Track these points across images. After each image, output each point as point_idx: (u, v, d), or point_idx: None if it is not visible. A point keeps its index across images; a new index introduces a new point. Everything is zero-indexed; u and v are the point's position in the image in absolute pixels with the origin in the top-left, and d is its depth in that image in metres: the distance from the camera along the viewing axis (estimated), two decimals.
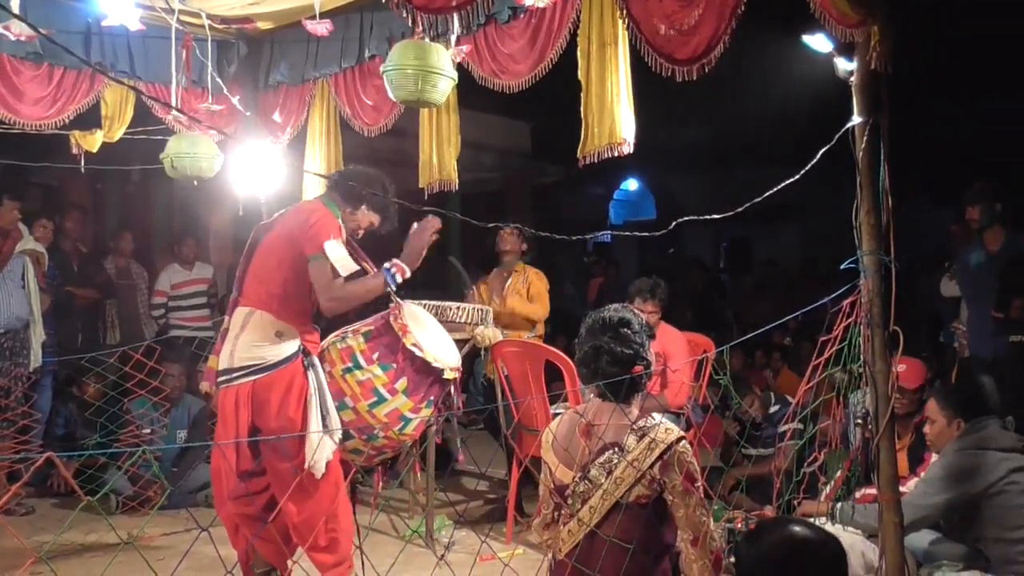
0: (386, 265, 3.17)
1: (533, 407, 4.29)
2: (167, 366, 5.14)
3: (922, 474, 3.44)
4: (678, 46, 2.95)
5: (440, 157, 4.07)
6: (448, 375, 3.24)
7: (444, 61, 3.06)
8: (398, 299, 3.33)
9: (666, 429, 2.26)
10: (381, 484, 4.81)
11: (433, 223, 3.25)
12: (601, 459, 2.27)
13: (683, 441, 2.24)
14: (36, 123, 4.23)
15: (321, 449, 3.03)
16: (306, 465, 3.00)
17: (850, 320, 2.44)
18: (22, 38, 3.66)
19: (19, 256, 4.93)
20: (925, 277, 6.07)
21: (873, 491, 2.72)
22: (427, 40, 3.19)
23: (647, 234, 3.09)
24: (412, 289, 3.41)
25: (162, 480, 4.83)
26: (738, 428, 4.98)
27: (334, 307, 3.10)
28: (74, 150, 4.49)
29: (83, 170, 4.53)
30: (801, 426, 3.91)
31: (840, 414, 2.88)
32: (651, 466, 2.21)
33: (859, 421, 3.49)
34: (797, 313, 2.84)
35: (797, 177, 2.53)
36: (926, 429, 3.47)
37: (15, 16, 3.13)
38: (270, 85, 4.82)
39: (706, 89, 3.38)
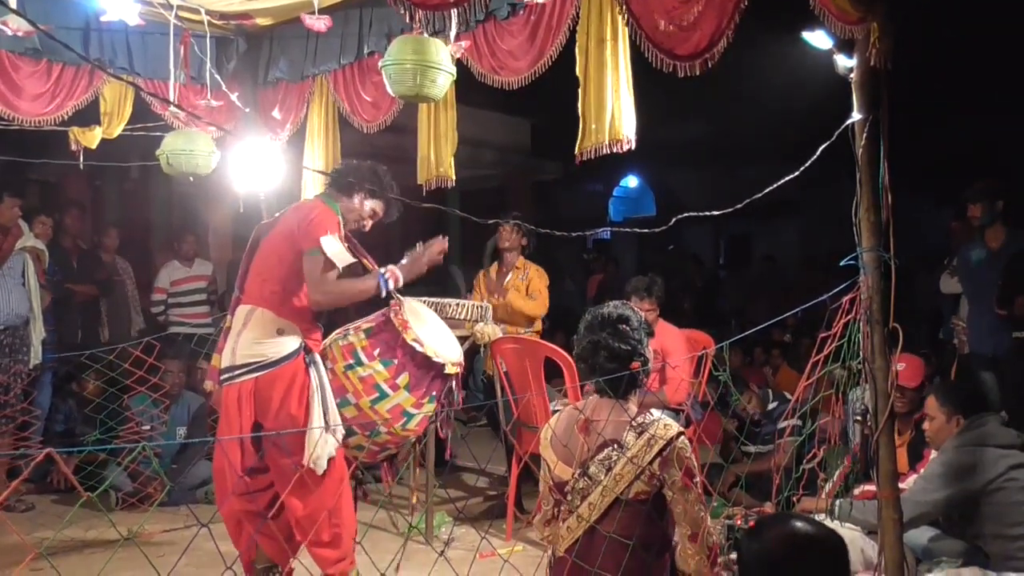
0: (381, 269, 3.18)
1: (532, 404, 4.29)
2: (167, 363, 5.14)
3: (921, 471, 3.44)
4: (679, 42, 2.95)
5: (437, 153, 4.07)
6: (449, 370, 3.25)
7: (443, 56, 3.06)
8: (399, 295, 3.33)
9: (665, 425, 2.27)
10: (389, 480, 4.82)
11: (440, 245, 3.29)
12: (600, 456, 2.27)
13: (682, 437, 2.25)
14: (35, 119, 4.22)
15: (322, 446, 3.04)
16: (306, 461, 3.00)
17: (850, 317, 2.44)
18: (19, 33, 3.65)
19: (19, 253, 4.93)
20: (925, 274, 6.07)
21: (872, 488, 2.73)
22: (426, 36, 3.18)
23: (647, 231, 3.09)
24: (411, 287, 3.42)
25: (162, 476, 4.83)
26: (736, 424, 4.98)
27: (324, 301, 3.11)
28: (73, 147, 4.48)
29: (82, 167, 4.52)
30: (800, 423, 3.92)
31: (840, 411, 2.88)
32: (650, 462, 2.21)
33: (858, 418, 3.50)
34: (797, 310, 2.84)
35: (797, 174, 2.53)
36: (925, 426, 3.47)
37: (14, 12, 3.12)
38: (269, 82, 4.81)
39: (706, 86, 3.38)
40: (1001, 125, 7.68)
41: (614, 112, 3.19)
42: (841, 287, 2.46)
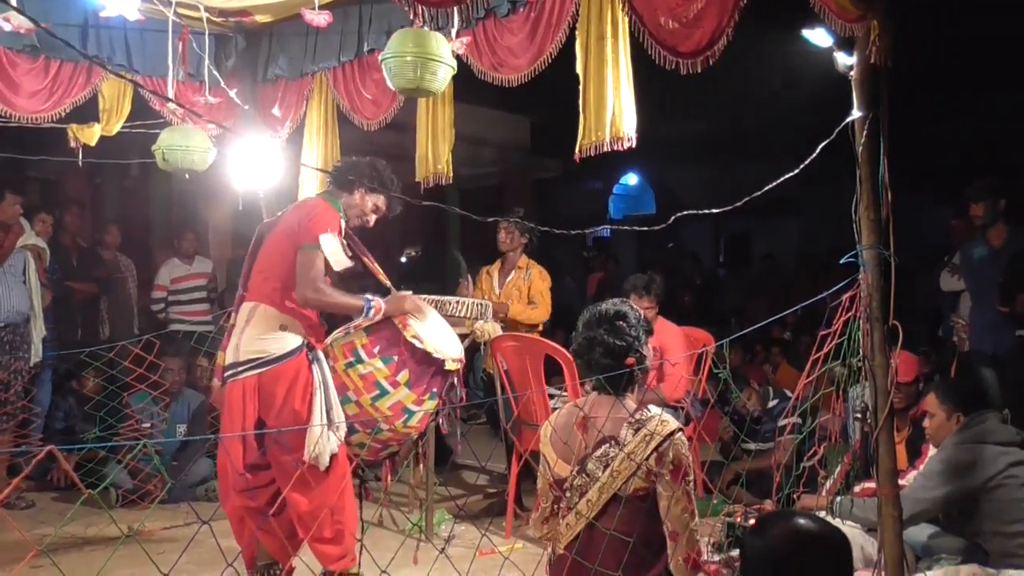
0: (369, 297, 3.20)
1: (532, 401, 4.29)
2: (166, 360, 5.14)
3: (921, 468, 3.45)
4: (681, 39, 2.94)
5: (435, 150, 4.07)
6: (450, 366, 3.26)
7: (443, 49, 3.05)
8: (398, 292, 3.34)
9: (662, 421, 2.27)
10: (389, 479, 4.82)
11: (419, 307, 3.29)
12: (598, 453, 2.28)
13: (679, 433, 2.25)
14: (33, 116, 4.21)
15: (324, 442, 3.04)
16: (306, 457, 3.01)
17: (849, 314, 2.44)
18: (21, 30, 3.65)
19: (20, 251, 4.93)
20: (925, 272, 6.07)
21: (872, 485, 2.73)
22: (427, 29, 3.18)
23: (646, 228, 3.09)
24: (412, 283, 3.42)
25: (162, 474, 4.83)
26: (731, 433, 4.96)
27: (311, 299, 3.11)
28: (71, 144, 4.48)
29: (81, 164, 4.52)
30: (800, 420, 3.92)
31: (840, 408, 2.88)
32: (647, 458, 2.21)
33: (858, 415, 3.50)
34: (796, 307, 2.84)
35: (797, 171, 2.53)
36: (925, 423, 3.48)
37: (13, 8, 3.12)
38: (268, 79, 4.80)
39: (706, 83, 3.37)
40: (1001, 123, 7.68)
41: (614, 109, 3.19)
42: (841, 284, 2.46)
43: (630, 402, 2.35)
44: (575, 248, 12.18)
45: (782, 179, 2.57)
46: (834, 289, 2.48)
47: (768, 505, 3.67)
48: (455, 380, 3.34)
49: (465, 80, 3.61)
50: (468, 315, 4.38)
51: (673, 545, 2.21)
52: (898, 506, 2.40)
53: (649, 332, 2.44)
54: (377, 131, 4.42)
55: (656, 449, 2.22)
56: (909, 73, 3.23)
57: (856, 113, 2.44)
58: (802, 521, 1.72)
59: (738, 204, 2.70)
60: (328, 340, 3.32)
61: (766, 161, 3.68)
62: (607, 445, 2.27)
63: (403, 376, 3.20)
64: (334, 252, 3.11)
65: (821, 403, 3.22)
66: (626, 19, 3.12)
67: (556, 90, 3.63)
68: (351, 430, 3.19)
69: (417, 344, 3.18)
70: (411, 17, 3.15)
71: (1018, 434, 3.28)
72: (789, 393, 4.76)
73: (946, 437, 3.32)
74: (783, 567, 1.66)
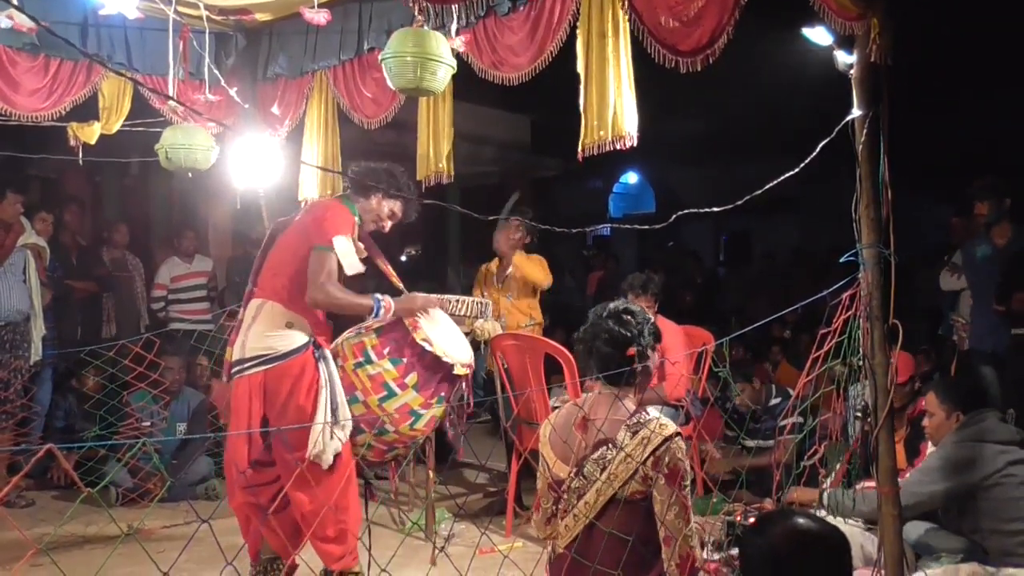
0: (379, 296, 3.20)
1: (532, 400, 4.29)
2: (166, 359, 5.14)
3: (919, 465, 3.45)
4: (681, 37, 2.94)
5: (436, 149, 4.06)
6: (459, 371, 3.25)
7: (443, 49, 3.05)
8: (409, 293, 3.34)
9: (661, 424, 2.26)
10: (396, 480, 4.83)
11: (430, 304, 3.29)
12: (595, 455, 2.27)
13: (678, 438, 2.24)
14: (33, 115, 4.21)
15: (328, 440, 3.04)
16: (308, 455, 3.01)
17: (849, 313, 2.44)
18: (23, 29, 3.65)
19: (20, 250, 4.93)
20: (925, 271, 6.07)
21: (872, 484, 2.73)
22: (426, 29, 3.18)
23: (646, 227, 3.09)
24: (413, 280, 3.42)
25: (162, 472, 4.84)
26: (722, 451, 4.94)
27: (321, 301, 3.11)
28: (72, 142, 4.48)
29: (81, 162, 4.51)
30: (801, 419, 3.92)
31: (840, 407, 2.88)
32: (644, 461, 2.21)
33: (858, 414, 3.50)
34: (796, 306, 2.84)
35: (797, 170, 2.53)
36: (925, 422, 3.48)
37: (13, 7, 3.12)
38: (268, 77, 4.80)
39: (706, 82, 3.37)
40: (1002, 122, 7.67)
41: (616, 108, 3.18)
42: (841, 283, 2.46)
43: (630, 403, 2.35)
44: (575, 247, 12.18)
45: (782, 178, 2.57)
46: (834, 288, 2.48)
47: (768, 504, 3.67)
48: (464, 385, 3.34)
49: (465, 79, 3.61)
50: (468, 314, 4.38)
51: (667, 550, 2.21)
52: (898, 504, 2.40)
53: (658, 339, 2.45)
54: (377, 130, 4.42)
55: (653, 452, 2.21)
56: (909, 72, 3.22)
57: (856, 112, 2.44)
58: (802, 520, 1.72)
59: (738, 203, 2.70)
60: (339, 340, 3.33)
61: (766, 160, 3.68)
62: (604, 447, 2.27)
63: (411, 379, 3.20)
64: (347, 255, 3.11)
65: (821, 402, 3.22)
66: (626, 18, 3.12)
67: (556, 89, 3.63)
68: (357, 430, 3.19)
69: (427, 347, 3.18)
70: (415, 13, 3.15)
71: (1017, 433, 3.28)
72: (791, 391, 4.76)
73: (945, 436, 3.32)
74: (783, 566, 1.67)
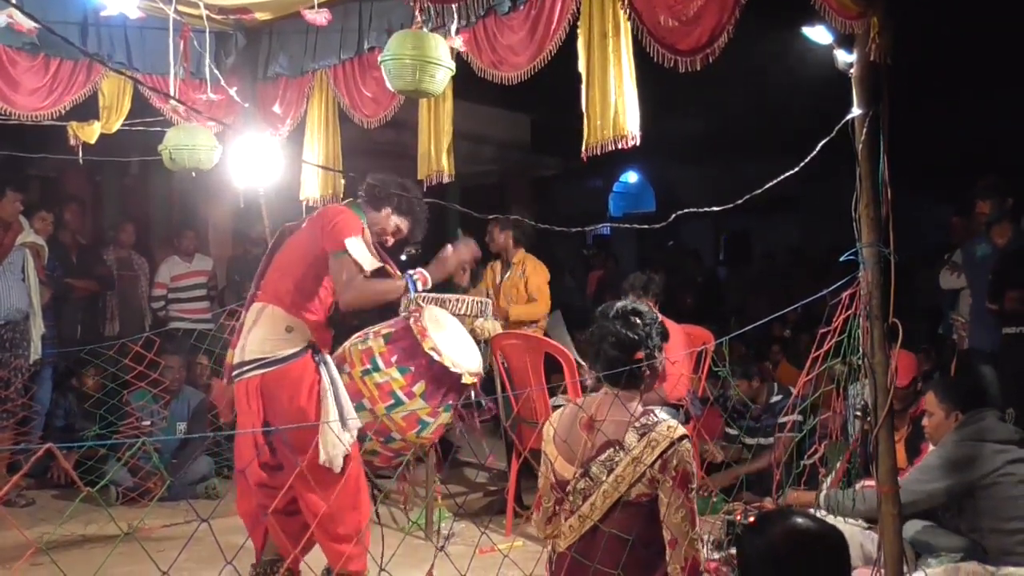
0: (410, 272, 3.20)
1: (532, 399, 4.29)
2: (166, 358, 5.14)
3: (918, 463, 3.45)
4: (680, 37, 2.94)
5: (436, 148, 4.06)
6: (467, 380, 3.24)
7: (442, 51, 3.05)
8: (419, 302, 3.33)
9: (668, 427, 2.25)
10: (404, 483, 4.83)
11: (473, 249, 3.28)
12: (602, 457, 2.26)
13: (686, 440, 2.23)
14: (33, 114, 4.21)
15: (336, 444, 3.04)
16: (323, 460, 3.01)
17: (849, 312, 2.44)
18: (25, 29, 3.65)
19: (19, 249, 4.93)
20: (925, 270, 6.07)
21: (871, 483, 2.74)
22: (426, 30, 3.18)
23: (646, 227, 3.09)
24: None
25: (162, 472, 4.84)
26: (724, 455, 4.93)
27: (354, 301, 3.10)
28: (72, 141, 4.48)
29: (81, 162, 4.52)
30: (801, 418, 3.93)
31: (840, 406, 2.88)
32: (652, 464, 2.20)
33: (858, 413, 3.50)
34: (796, 305, 2.84)
35: (797, 169, 2.53)
36: (925, 422, 3.48)
37: (13, 7, 3.12)
38: (269, 77, 4.80)
39: (706, 81, 3.37)
40: (1002, 122, 7.67)
41: (618, 107, 3.18)
42: (841, 282, 2.46)
43: (636, 404, 2.34)
44: (575, 246, 12.17)
45: (782, 177, 2.57)
46: (834, 287, 2.48)
47: (768, 503, 3.67)
48: (472, 394, 3.33)
49: (465, 78, 3.61)
50: (468, 313, 4.38)
51: (671, 552, 2.20)
52: (898, 504, 2.40)
53: (665, 338, 2.43)
54: (377, 129, 4.42)
55: (661, 455, 2.20)
56: (909, 71, 3.22)
57: (856, 111, 2.44)
58: (801, 520, 1.72)
59: (738, 202, 2.70)
60: (346, 345, 3.32)
61: (766, 159, 3.68)
62: (612, 449, 2.25)
63: (419, 388, 3.19)
64: (362, 255, 3.10)
65: (821, 401, 3.22)
66: (627, 17, 3.12)
67: (556, 88, 3.63)
68: (363, 438, 3.18)
69: (435, 356, 3.16)
70: (415, 13, 3.15)
71: (1016, 432, 3.28)
72: (792, 389, 4.76)
73: (945, 435, 3.32)
74: (782, 565, 1.67)
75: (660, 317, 4.66)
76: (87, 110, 4.45)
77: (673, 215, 2.86)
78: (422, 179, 4.14)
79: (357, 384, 3.19)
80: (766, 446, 4.69)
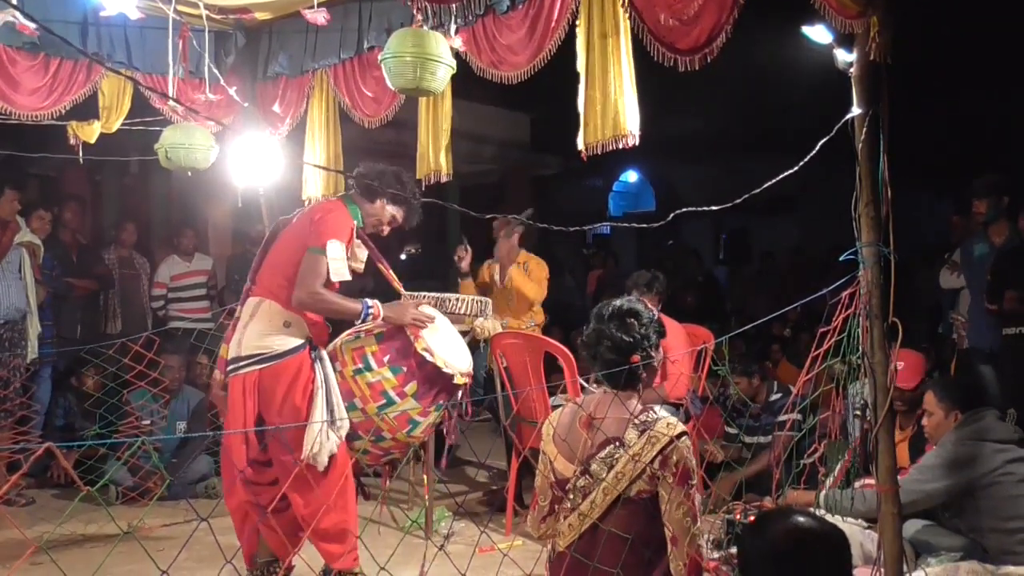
0: (368, 301, 3.19)
1: (532, 399, 4.29)
2: (166, 358, 5.14)
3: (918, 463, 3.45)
4: (680, 36, 2.94)
5: (435, 147, 4.06)
6: (458, 380, 3.24)
7: (443, 49, 3.05)
8: (401, 298, 3.34)
9: (668, 424, 2.25)
10: (388, 479, 4.83)
11: (421, 317, 3.25)
12: (602, 454, 2.26)
13: (685, 437, 2.23)
14: (33, 113, 4.21)
15: (322, 442, 3.04)
16: (304, 457, 3.01)
17: (849, 311, 2.44)
18: (26, 31, 3.65)
19: (17, 248, 4.94)
20: (925, 269, 6.07)
21: (872, 481, 2.74)
22: (426, 28, 3.18)
23: (646, 226, 3.08)
24: (414, 279, 3.42)
25: (162, 471, 4.84)
26: (723, 455, 4.93)
27: (307, 302, 3.10)
28: (71, 141, 4.48)
29: (81, 161, 4.52)
30: (800, 417, 3.93)
31: (840, 405, 2.89)
32: (652, 461, 2.20)
33: (858, 412, 3.50)
34: (796, 304, 2.84)
35: (796, 169, 2.53)
36: (924, 421, 3.48)
37: (13, 7, 3.12)
38: (268, 76, 4.80)
39: (706, 80, 3.37)
40: (1002, 121, 7.68)
41: (618, 107, 3.18)
42: (841, 281, 2.46)
43: (635, 402, 2.34)
44: (575, 245, 12.18)
45: (782, 176, 2.57)
46: (834, 286, 2.48)
47: (767, 502, 3.67)
48: (462, 394, 3.33)
49: (465, 77, 3.61)
50: (468, 312, 4.38)
51: (673, 550, 2.20)
52: (898, 503, 2.40)
53: (661, 335, 2.43)
54: (378, 128, 4.42)
55: (661, 451, 2.20)
56: (909, 70, 3.22)
57: (856, 110, 2.43)
58: (801, 519, 1.72)
59: (738, 201, 2.70)
60: (337, 341, 3.32)
61: (766, 158, 3.68)
62: (611, 446, 2.26)
63: (411, 388, 3.19)
64: (336, 260, 3.10)
65: (821, 400, 3.22)
66: (627, 16, 3.12)
67: (556, 87, 3.63)
68: (354, 436, 3.18)
69: (427, 357, 3.17)
70: (413, 12, 3.15)
71: (1016, 432, 3.28)
72: (792, 388, 4.76)
73: (944, 434, 3.32)
74: (782, 565, 1.66)
75: (659, 316, 4.69)
76: (87, 110, 4.45)
77: (672, 214, 2.86)
78: (420, 178, 4.14)
79: (349, 383, 3.19)
80: (765, 445, 4.69)
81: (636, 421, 2.26)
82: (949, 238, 5.90)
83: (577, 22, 3.29)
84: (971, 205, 4.94)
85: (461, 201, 4.57)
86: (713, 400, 4.93)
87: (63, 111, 4.31)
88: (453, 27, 3.55)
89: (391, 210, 3.38)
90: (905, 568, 2.43)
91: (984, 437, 3.21)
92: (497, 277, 5.22)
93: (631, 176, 14.42)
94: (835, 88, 2.53)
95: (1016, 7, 5.63)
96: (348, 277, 3.17)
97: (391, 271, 3.52)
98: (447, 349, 3.28)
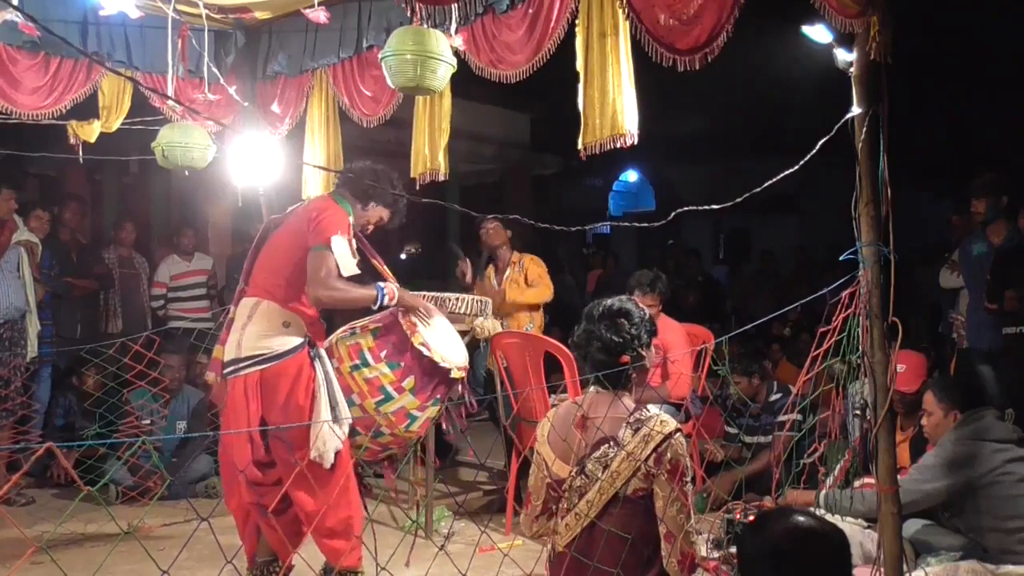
0: (380, 284, 3.19)
1: (532, 398, 4.29)
2: (166, 357, 5.14)
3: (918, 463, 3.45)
4: (679, 36, 2.94)
5: (431, 146, 4.06)
6: (455, 374, 3.25)
7: (443, 47, 3.04)
8: (409, 295, 3.34)
9: (662, 421, 2.26)
10: (391, 478, 4.83)
11: (434, 311, 3.30)
12: (597, 453, 2.26)
13: (679, 434, 2.24)
14: (33, 113, 4.20)
15: (328, 439, 3.04)
16: (312, 455, 3.01)
17: (849, 311, 2.44)
18: (27, 29, 3.65)
19: (15, 247, 4.94)
20: (925, 269, 6.07)
21: (871, 481, 2.74)
22: (426, 27, 3.18)
23: (646, 225, 3.08)
24: (412, 280, 3.42)
25: (162, 471, 4.83)
26: (723, 453, 4.93)
27: (324, 299, 3.10)
28: (71, 140, 4.48)
29: (81, 160, 4.51)
30: (800, 417, 3.92)
31: (839, 405, 2.89)
32: (646, 459, 2.21)
33: (858, 412, 3.50)
34: (796, 304, 2.84)
35: (796, 168, 2.53)
36: (924, 421, 3.48)
37: (13, 7, 3.12)
38: (268, 76, 4.80)
39: (706, 80, 3.37)
40: (1002, 120, 7.68)
41: (616, 106, 3.18)
42: (841, 281, 2.46)
43: (628, 401, 2.34)
44: (575, 245, 12.19)
45: (782, 175, 2.57)
46: (834, 286, 2.48)
47: (767, 502, 3.67)
48: (460, 387, 3.34)
49: (464, 76, 3.61)
50: (468, 312, 4.38)
51: (668, 546, 2.20)
52: (898, 503, 2.40)
53: (653, 334, 2.42)
54: (377, 128, 4.41)
55: (655, 449, 2.21)
56: (909, 69, 3.23)
57: (856, 109, 2.43)
58: (801, 518, 1.72)
59: (738, 200, 2.69)
60: (332, 338, 3.31)
61: (766, 157, 3.68)
62: (606, 445, 2.26)
63: (408, 382, 3.20)
64: (344, 256, 3.10)
65: (820, 400, 3.22)
66: (625, 16, 3.11)
67: (555, 86, 3.63)
68: (353, 432, 3.18)
69: (424, 352, 3.17)
70: (408, 15, 3.15)
71: (1015, 431, 3.28)
72: (792, 388, 4.75)
73: (943, 434, 3.33)
74: (782, 564, 1.66)
75: (662, 317, 4.68)
76: (87, 109, 4.45)
77: (673, 213, 2.86)
78: (415, 177, 4.13)
79: (346, 379, 3.19)
80: (765, 445, 4.69)
81: (630, 420, 2.27)
82: (949, 238, 5.90)
83: (576, 22, 3.29)
84: (970, 205, 4.94)
85: (461, 201, 4.58)
86: (713, 400, 4.93)
87: (63, 110, 4.31)
88: (453, 26, 3.55)
89: (379, 211, 3.38)
90: (905, 568, 2.43)
91: (983, 437, 3.21)
92: (495, 283, 5.22)
93: (631, 176, 14.42)
94: (835, 88, 2.53)
95: (1015, 7, 5.63)
96: (357, 271, 3.17)
97: (385, 267, 3.52)
98: (443, 343, 3.29)
